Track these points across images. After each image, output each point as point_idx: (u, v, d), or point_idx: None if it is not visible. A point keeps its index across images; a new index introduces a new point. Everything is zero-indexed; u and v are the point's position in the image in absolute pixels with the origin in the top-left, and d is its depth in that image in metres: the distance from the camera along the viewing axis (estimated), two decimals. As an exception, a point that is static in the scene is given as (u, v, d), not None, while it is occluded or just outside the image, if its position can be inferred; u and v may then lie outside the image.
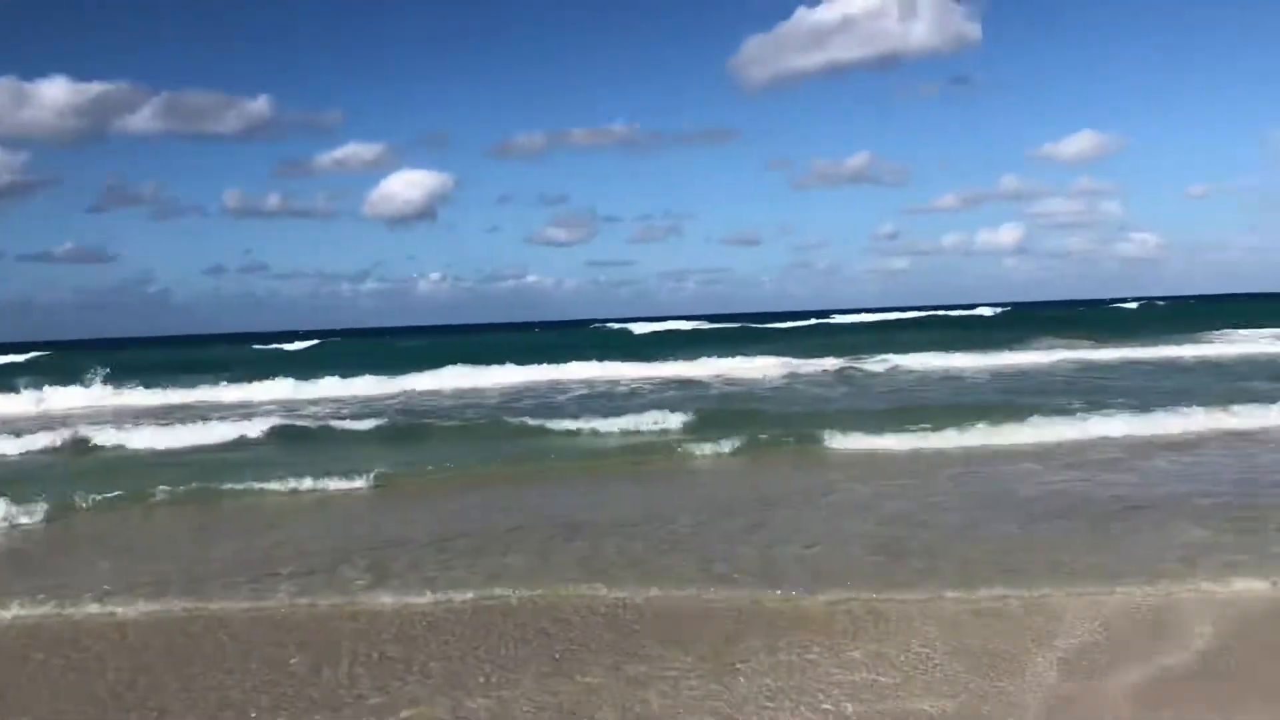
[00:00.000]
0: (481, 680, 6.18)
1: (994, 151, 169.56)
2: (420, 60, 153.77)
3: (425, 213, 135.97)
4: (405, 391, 27.79)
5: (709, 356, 34.76)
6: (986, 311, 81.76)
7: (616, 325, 79.16)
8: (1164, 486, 11.70)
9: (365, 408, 23.32)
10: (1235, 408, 16.34)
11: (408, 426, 18.80)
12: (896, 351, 33.22)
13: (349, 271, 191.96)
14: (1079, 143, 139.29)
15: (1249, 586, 7.60)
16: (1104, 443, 14.72)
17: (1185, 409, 16.31)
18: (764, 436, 15.54)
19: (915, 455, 14.33)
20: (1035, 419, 15.93)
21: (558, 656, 6.57)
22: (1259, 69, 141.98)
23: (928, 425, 15.79)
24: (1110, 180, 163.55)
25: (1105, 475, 12.45)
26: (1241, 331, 41.35)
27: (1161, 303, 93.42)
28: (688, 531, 10.12)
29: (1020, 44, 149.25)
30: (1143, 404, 17.44)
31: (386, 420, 19.30)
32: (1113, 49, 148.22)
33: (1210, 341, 37.19)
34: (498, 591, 8.04)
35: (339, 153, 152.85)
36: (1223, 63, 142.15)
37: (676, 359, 34.56)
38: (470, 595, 7.97)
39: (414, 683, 6.19)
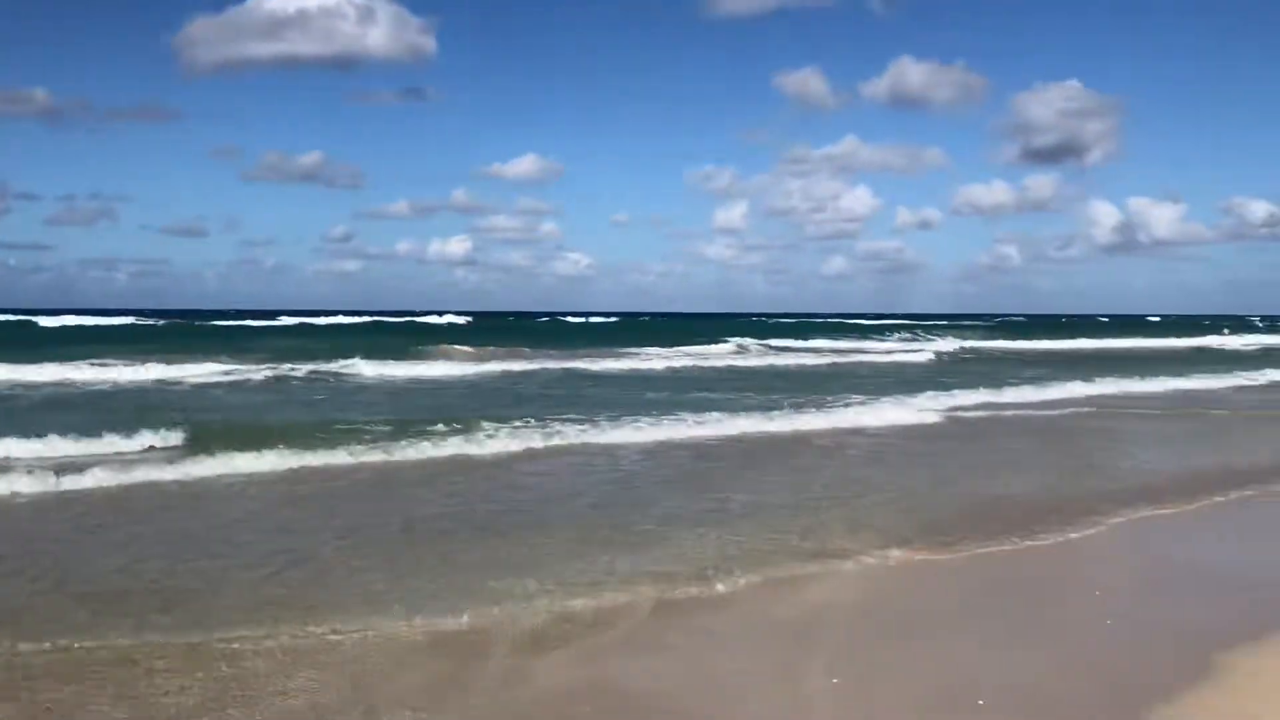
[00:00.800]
0: None
1: (446, 165, 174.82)
2: None
3: None
4: None
5: (132, 356, 31.78)
6: (436, 320, 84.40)
7: (19, 317, 69.08)
8: (539, 494, 12.89)
9: None
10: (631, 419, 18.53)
11: None
12: (343, 357, 32.88)
13: None
14: (523, 165, 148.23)
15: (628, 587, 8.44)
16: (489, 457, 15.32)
17: (582, 421, 18.14)
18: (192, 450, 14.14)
19: (327, 471, 13.90)
20: (455, 435, 16.41)
21: None
22: (677, 113, 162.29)
23: (346, 440, 15.67)
24: (550, 202, 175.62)
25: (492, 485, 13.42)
26: (654, 349, 46.37)
27: (598, 319, 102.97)
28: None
29: (472, 64, 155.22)
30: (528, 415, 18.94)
31: None
32: (553, 80, 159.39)
33: (630, 356, 41.60)
34: None
35: None
36: (646, 103, 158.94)
37: (92, 358, 31.05)
38: None
39: None
